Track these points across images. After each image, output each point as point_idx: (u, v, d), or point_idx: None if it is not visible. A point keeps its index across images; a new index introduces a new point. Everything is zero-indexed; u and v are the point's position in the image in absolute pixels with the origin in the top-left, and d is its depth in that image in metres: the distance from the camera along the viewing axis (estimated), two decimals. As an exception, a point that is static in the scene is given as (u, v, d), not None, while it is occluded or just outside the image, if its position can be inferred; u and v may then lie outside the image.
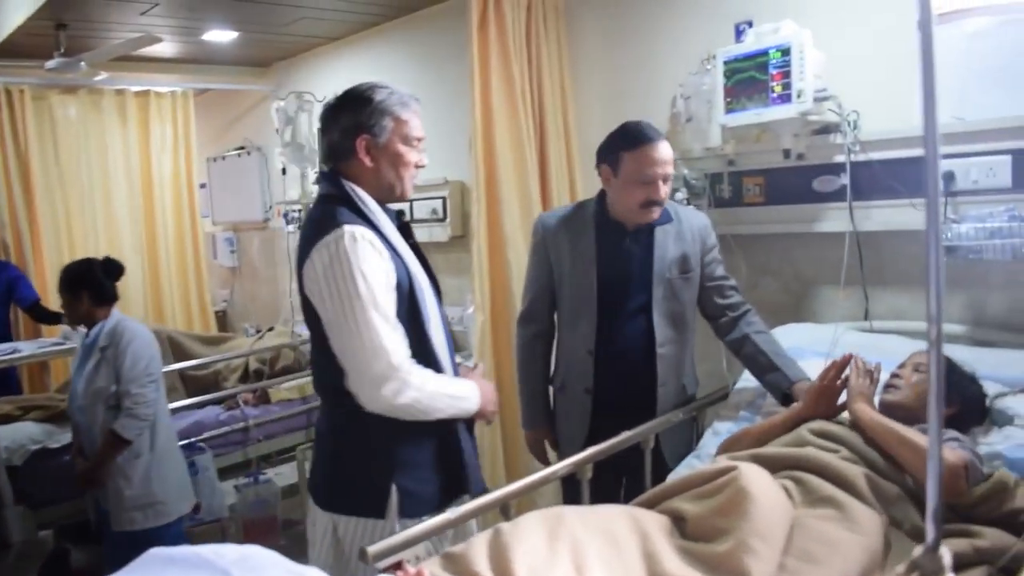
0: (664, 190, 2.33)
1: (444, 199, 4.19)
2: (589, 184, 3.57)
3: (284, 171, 3.98)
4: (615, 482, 2.42)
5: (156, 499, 2.99)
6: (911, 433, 1.81)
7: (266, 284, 6.16)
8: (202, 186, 6.15)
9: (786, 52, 2.59)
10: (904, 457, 1.77)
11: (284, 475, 4.02)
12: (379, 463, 1.87)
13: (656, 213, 2.37)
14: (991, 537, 1.60)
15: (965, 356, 2.21)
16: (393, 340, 1.75)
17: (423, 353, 1.84)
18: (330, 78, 5.02)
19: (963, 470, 1.69)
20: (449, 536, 1.90)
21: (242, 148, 5.96)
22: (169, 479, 3.06)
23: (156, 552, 1.26)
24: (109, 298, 3.07)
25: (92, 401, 2.97)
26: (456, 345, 2.33)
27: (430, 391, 1.79)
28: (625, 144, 2.32)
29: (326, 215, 1.81)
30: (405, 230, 1.98)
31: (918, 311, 2.69)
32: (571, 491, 2.25)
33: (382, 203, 1.90)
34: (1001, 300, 2.55)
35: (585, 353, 2.40)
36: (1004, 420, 2.04)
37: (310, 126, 3.38)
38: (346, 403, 1.82)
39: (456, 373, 2.00)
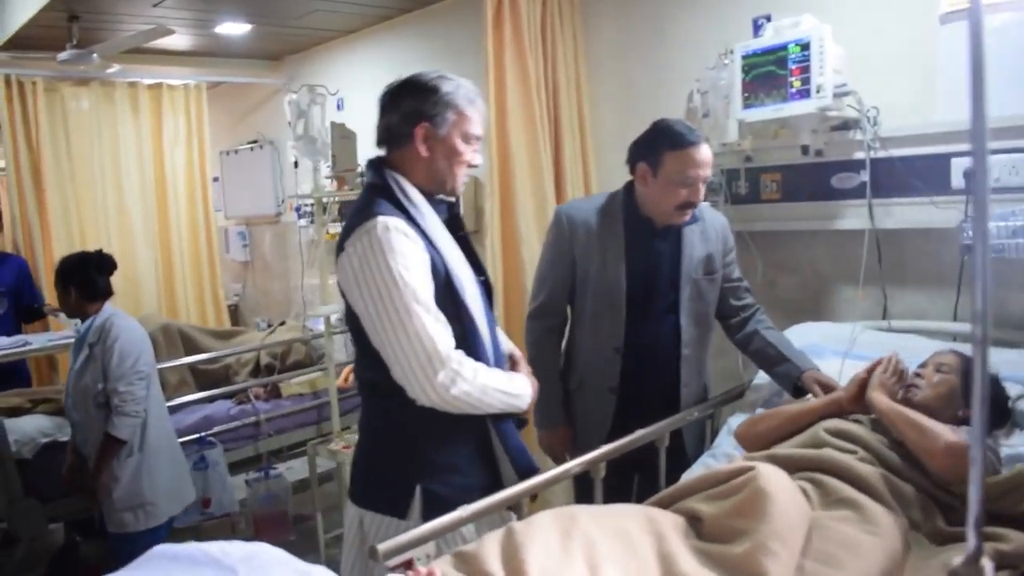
0: (701, 194, 2.30)
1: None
2: (604, 179, 3.55)
3: (296, 164, 3.97)
4: (628, 481, 2.40)
5: (145, 500, 2.94)
6: (920, 416, 1.81)
7: (278, 278, 6.15)
8: (215, 179, 6.14)
9: (805, 47, 2.55)
10: (910, 438, 1.77)
11: (295, 470, 4.01)
12: (406, 463, 1.83)
13: (690, 215, 2.33)
14: (1016, 541, 1.56)
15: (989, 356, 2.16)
16: (438, 330, 1.69)
17: (466, 347, 1.78)
18: (343, 72, 5.01)
19: (965, 451, 1.67)
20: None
21: (254, 142, 5.95)
22: (159, 479, 2.99)
23: (160, 549, 1.24)
24: (100, 293, 3.02)
25: (81, 398, 2.94)
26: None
27: (481, 384, 1.73)
28: (669, 144, 2.25)
29: (363, 206, 1.77)
30: (455, 223, 1.92)
31: (938, 310, 2.66)
32: (584, 490, 2.22)
33: (430, 195, 1.85)
34: (1022, 299, 2.51)
35: (612, 351, 2.36)
36: (1027, 422, 2.01)
37: (323, 119, 3.36)
38: (380, 399, 1.82)
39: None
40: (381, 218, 1.70)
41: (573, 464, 2.00)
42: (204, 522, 3.40)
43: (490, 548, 1.36)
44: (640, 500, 2.30)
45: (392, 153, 1.85)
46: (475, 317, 1.81)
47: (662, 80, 3.37)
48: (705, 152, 2.26)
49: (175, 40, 4.75)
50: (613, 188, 2.51)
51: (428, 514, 1.76)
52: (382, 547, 1.54)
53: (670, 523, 1.55)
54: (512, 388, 1.82)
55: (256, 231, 6.35)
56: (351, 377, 3.96)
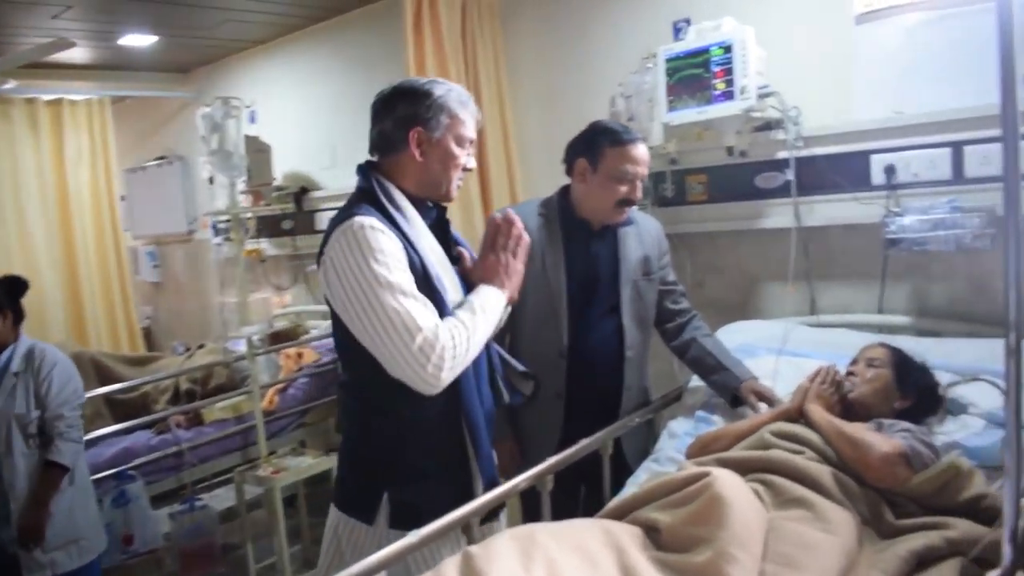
0: (640, 192, 2.32)
1: (379, 206, 4.08)
2: (529, 185, 3.53)
3: (211, 180, 3.82)
4: (575, 492, 2.36)
5: (80, 535, 2.80)
6: (853, 429, 1.81)
7: (192, 298, 5.93)
8: (122, 198, 5.89)
9: (728, 49, 2.58)
10: (846, 454, 1.76)
11: (222, 498, 3.84)
12: (375, 469, 1.83)
13: (627, 214, 2.35)
14: (962, 528, 1.59)
15: (913, 346, 2.22)
16: (423, 314, 1.65)
17: None
18: (255, 83, 4.86)
19: (900, 458, 1.69)
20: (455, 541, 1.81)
21: (163, 158, 5.72)
22: (90, 513, 2.88)
23: None
24: (19, 319, 2.89)
25: (5, 430, 2.74)
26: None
27: (464, 343, 1.68)
28: (609, 141, 2.28)
29: (342, 211, 1.77)
30: (443, 229, 1.92)
31: (863, 303, 2.72)
32: (531, 504, 2.17)
33: (422, 199, 1.85)
34: (943, 290, 2.58)
35: (557, 356, 2.33)
36: (959, 409, 2.06)
37: (238, 132, 3.23)
38: (355, 403, 1.86)
39: (484, 384, 1.92)
40: (358, 218, 1.68)
41: (520, 479, 1.95)
42: (127, 561, 3.22)
43: (450, 575, 1.30)
44: (587, 511, 2.28)
45: (384, 159, 1.84)
46: None
47: (584, 85, 3.37)
48: (643, 150, 2.29)
49: (76, 53, 4.54)
50: (539, 194, 2.50)
51: (395, 522, 1.77)
52: (331, 581, 1.47)
53: (628, 535, 1.51)
54: (486, 311, 1.76)
55: (167, 251, 6.10)
56: (276, 399, 3.83)
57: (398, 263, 1.68)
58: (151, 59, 5.03)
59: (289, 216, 4.58)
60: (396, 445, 1.79)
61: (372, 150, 1.87)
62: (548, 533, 1.46)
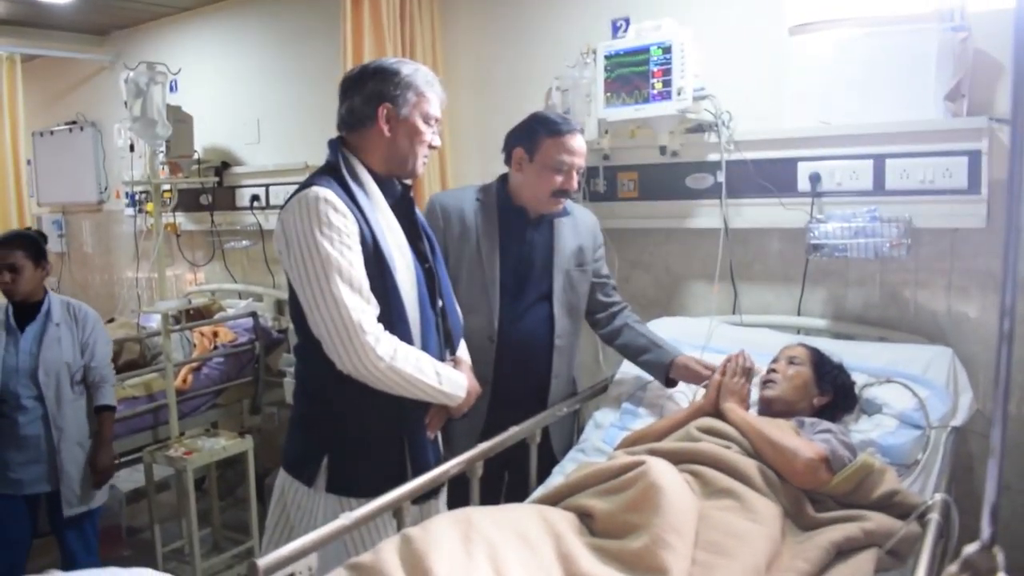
0: (575, 182, 2.36)
1: (305, 185, 4.01)
2: (460, 172, 3.53)
3: (132, 148, 3.68)
4: (498, 479, 2.38)
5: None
6: (772, 431, 1.87)
7: (100, 272, 5.69)
8: (28, 163, 5.61)
9: (667, 50, 2.62)
10: (767, 455, 1.82)
11: (128, 479, 3.71)
12: (318, 434, 1.89)
13: (563, 204, 2.40)
14: (877, 520, 1.67)
15: (831, 348, 2.31)
16: (356, 302, 1.72)
17: (390, 327, 1.79)
18: (177, 51, 4.69)
19: (821, 463, 1.77)
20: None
21: (74, 123, 5.47)
22: None
23: None
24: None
25: (54, 376, 2.96)
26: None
27: (399, 363, 1.75)
28: (546, 130, 2.32)
29: (305, 181, 1.83)
30: (406, 206, 1.96)
31: (782, 305, 2.82)
32: (458, 490, 2.18)
33: (388, 176, 1.91)
34: (857, 296, 2.70)
35: (487, 341, 2.34)
36: (873, 409, 2.15)
37: (163, 100, 3.12)
38: (304, 364, 1.93)
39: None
40: (315, 188, 1.75)
41: (451, 464, 1.95)
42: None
43: (389, 558, 1.30)
44: (510, 498, 2.30)
45: (352, 135, 1.90)
46: (404, 299, 1.83)
47: (520, 75, 3.37)
48: (580, 141, 2.35)
49: (-13, 6, 4.29)
50: (470, 180, 2.54)
51: (332, 487, 1.85)
52: (262, 563, 1.44)
53: (564, 521, 1.54)
54: (438, 379, 1.83)
55: (73, 220, 5.83)
56: (190, 379, 3.72)
57: (346, 239, 1.74)
58: (68, 18, 4.79)
59: (208, 191, 4.45)
60: (339, 412, 1.84)
61: (340, 126, 1.93)
62: (486, 517, 1.48)
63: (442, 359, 1.97)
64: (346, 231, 1.74)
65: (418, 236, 1.98)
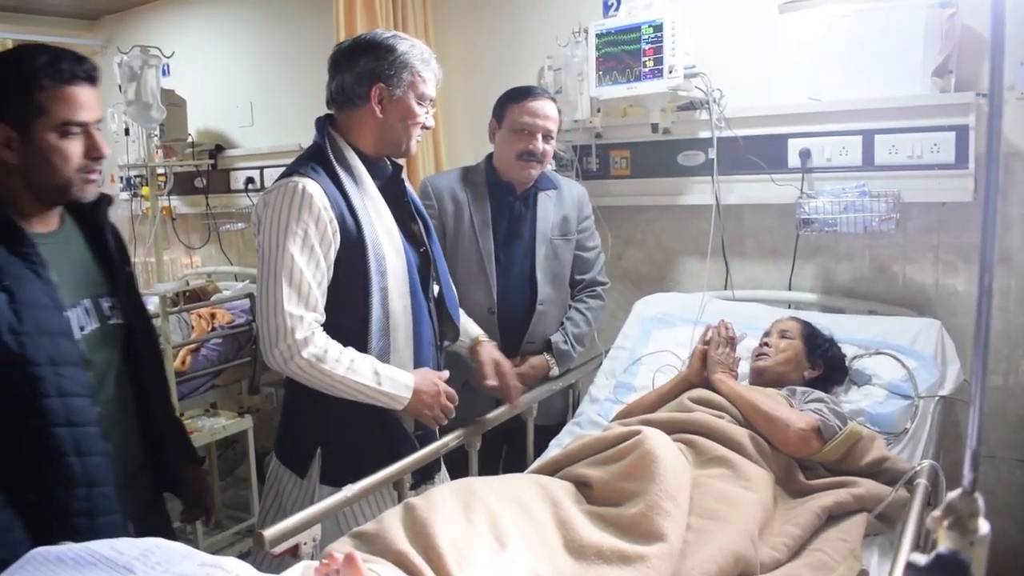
0: (543, 146, 2.41)
1: (298, 167, 4.02)
2: (454, 153, 3.54)
3: (127, 132, 3.68)
4: (497, 451, 2.43)
5: None
6: (763, 402, 1.92)
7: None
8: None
9: (658, 28, 2.64)
10: (759, 426, 1.88)
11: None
12: (308, 423, 1.88)
13: (534, 170, 2.43)
14: (867, 486, 1.73)
15: (821, 321, 2.36)
16: (294, 306, 1.69)
17: (358, 319, 1.78)
18: (169, 34, 4.67)
19: (813, 432, 1.82)
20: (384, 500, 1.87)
21: (65, 107, 5.45)
22: None
23: (41, 552, 1.12)
24: None
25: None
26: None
27: (330, 368, 1.70)
28: (510, 98, 2.45)
29: (292, 164, 1.80)
30: (396, 187, 1.93)
31: (774, 280, 2.86)
32: (458, 465, 2.22)
33: (379, 157, 1.88)
34: (847, 270, 2.74)
35: (488, 313, 2.41)
36: (863, 380, 2.20)
37: (157, 83, 3.12)
38: None
39: (429, 354, 1.92)
40: (298, 178, 1.72)
41: (450, 438, 1.99)
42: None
43: (393, 526, 1.33)
44: (508, 470, 2.35)
45: (342, 113, 1.85)
46: (391, 286, 1.79)
47: (512, 55, 3.39)
48: (544, 105, 2.42)
49: (-27, -8, 4.27)
50: (464, 162, 2.60)
51: (326, 478, 1.82)
52: (267, 534, 1.48)
53: (561, 490, 1.58)
54: (376, 379, 1.75)
55: (66, 205, 5.83)
56: (189, 360, 3.75)
57: (313, 239, 1.71)
58: (58, 3, 4.77)
59: (203, 174, 4.46)
60: (331, 402, 1.79)
61: (330, 103, 1.87)
62: (487, 486, 1.52)
63: (439, 346, 1.97)
64: (317, 230, 1.71)
65: (411, 218, 1.95)
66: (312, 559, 1.47)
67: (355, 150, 1.84)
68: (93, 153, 1.50)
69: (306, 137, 4.01)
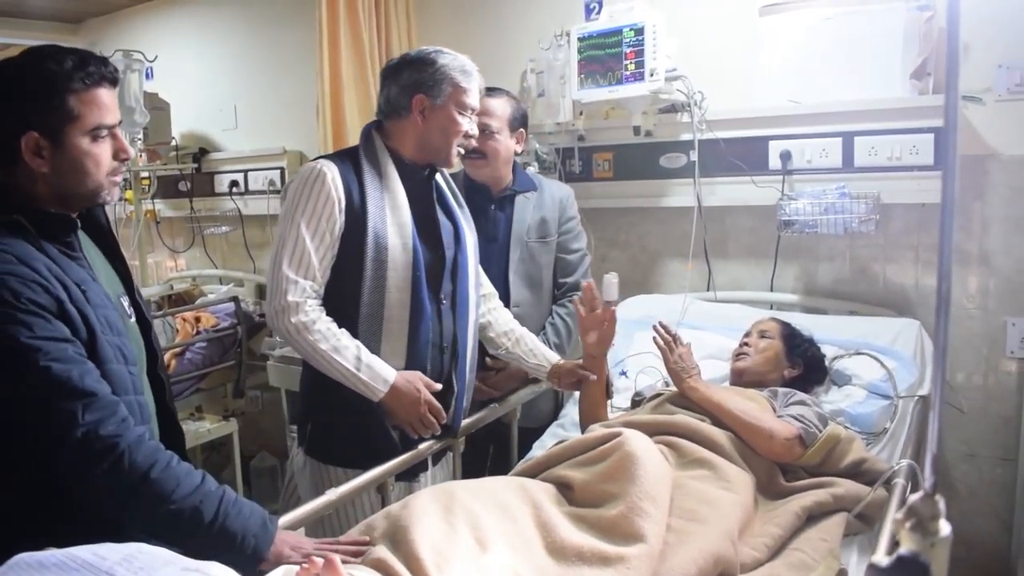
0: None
1: (282, 170, 4.01)
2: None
3: (109, 136, 3.69)
4: (483, 452, 2.43)
5: None
6: (742, 410, 1.90)
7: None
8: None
9: (640, 31, 2.66)
10: (743, 435, 1.86)
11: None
12: (308, 400, 2.04)
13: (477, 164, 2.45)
14: (846, 486, 1.74)
15: (802, 322, 2.38)
16: (292, 270, 1.81)
17: (351, 303, 1.86)
18: (152, 38, 4.66)
19: (796, 441, 1.83)
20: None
21: (48, 111, 5.42)
22: None
23: (24, 558, 1.12)
24: None
25: None
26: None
27: (313, 338, 1.80)
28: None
29: (324, 156, 1.95)
30: (425, 192, 2.00)
31: (755, 281, 2.88)
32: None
33: (421, 164, 1.97)
34: (828, 271, 2.77)
35: None
36: (843, 380, 2.22)
37: (140, 86, 3.12)
38: None
39: (426, 354, 1.95)
40: (320, 162, 1.87)
41: (433, 441, 2.00)
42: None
43: (375, 534, 1.34)
44: (494, 472, 2.35)
45: (388, 122, 1.97)
46: (389, 274, 1.86)
47: (495, 58, 3.38)
48: (487, 102, 2.37)
49: (-47, -5, 4.24)
50: None
51: (310, 450, 1.99)
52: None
53: (542, 492, 1.59)
54: (356, 365, 1.82)
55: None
56: (174, 363, 3.74)
57: (321, 214, 1.83)
58: (40, 7, 4.74)
59: (186, 177, 4.45)
60: (322, 383, 1.87)
61: (378, 113, 2.00)
62: (467, 490, 1.52)
63: (441, 349, 1.99)
64: (326, 206, 1.83)
65: (437, 223, 1.99)
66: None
67: (394, 154, 1.94)
68: (121, 155, 1.49)
69: (289, 140, 4.05)
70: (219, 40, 4.43)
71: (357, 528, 1.44)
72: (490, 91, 2.40)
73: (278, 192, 4.02)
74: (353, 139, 3.21)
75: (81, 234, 1.58)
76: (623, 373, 2.54)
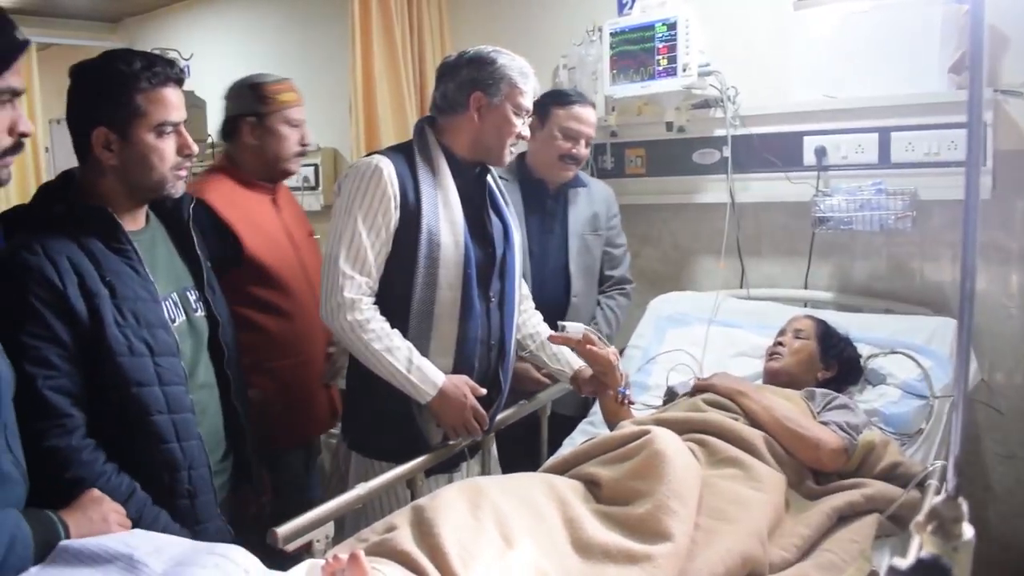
0: (584, 151, 2.52)
1: (316, 166, 4.04)
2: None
3: (149, 134, 3.75)
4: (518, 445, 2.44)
5: None
6: (795, 422, 1.85)
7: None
8: (46, 150, 5.66)
9: (672, 26, 2.64)
10: (784, 441, 1.82)
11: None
12: (352, 395, 2.08)
13: (572, 171, 2.54)
14: (878, 487, 1.72)
15: (836, 320, 2.35)
16: (348, 265, 1.82)
17: (402, 300, 1.87)
18: (188, 37, 4.73)
19: (843, 452, 1.81)
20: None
21: (89, 110, 5.51)
22: None
23: (67, 545, 1.17)
24: None
25: None
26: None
27: (367, 337, 1.81)
28: (556, 100, 2.53)
29: (379, 150, 1.97)
30: (478, 190, 2.02)
31: (789, 279, 2.84)
32: (502, 441, 2.24)
33: (473, 161, 1.98)
34: (863, 268, 2.73)
35: None
36: (878, 379, 2.19)
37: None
38: None
39: (475, 351, 1.96)
40: (375, 157, 1.88)
41: (464, 438, 2.01)
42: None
43: (401, 528, 1.35)
44: (527, 466, 2.35)
45: (443, 118, 1.98)
46: (440, 269, 1.87)
47: (528, 54, 3.30)
48: (590, 112, 2.52)
49: (-1, -4, 4.32)
50: None
51: (352, 444, 2.04)
52: (280, 531, 1.50)
53: (570, 489, 1.59)
54: (407, 366, 1.83)
55: (91, 205, 5.90)
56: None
57: (378, 210, 1.84)
58: (80, 6, 4.82)
59: (222, 174, 4.49)
60: (364, 380, 1.91)
61: (432, 109, 2.01)
62: (494, 485, 1.53)
63: (489, 347, 2.00)
64: (382, 203, 1.84)
65: (487, 221, 2.01)
66: (324, 556, 1.49)
67: (447, 151, 1.95)
68: (185, 151, 1.58)
69: (324, 137, 4.08)
70: (253, 38, 4.47)
71: (383, 521, 1.45)
72: (585, 100, 2.53)
73: (313, 189, 4.05)
74: (386, 136, 3.25)
75: (152, 227, 1.68)
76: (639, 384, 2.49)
